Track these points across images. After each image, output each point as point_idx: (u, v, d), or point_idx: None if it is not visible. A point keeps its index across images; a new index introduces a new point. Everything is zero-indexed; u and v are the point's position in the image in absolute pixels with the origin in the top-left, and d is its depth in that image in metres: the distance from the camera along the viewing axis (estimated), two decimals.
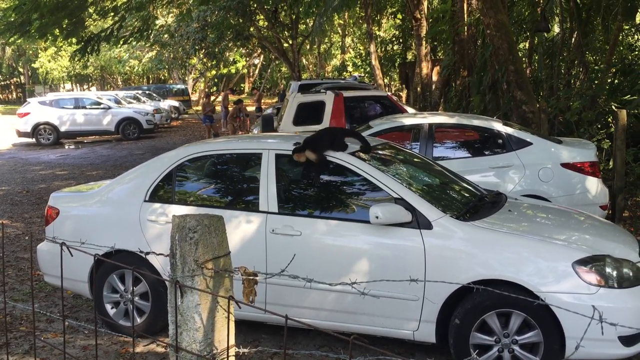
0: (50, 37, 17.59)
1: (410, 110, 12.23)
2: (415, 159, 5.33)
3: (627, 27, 14.12)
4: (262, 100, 28.93)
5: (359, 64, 36.96)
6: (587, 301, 3.53)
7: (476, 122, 7.05)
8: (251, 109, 28.60)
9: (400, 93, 23.37)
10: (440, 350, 4.12)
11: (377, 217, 3.97)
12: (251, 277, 1.76)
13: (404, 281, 2.53)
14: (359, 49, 39.92)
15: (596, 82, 11.93)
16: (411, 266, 3.91)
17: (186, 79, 44.53)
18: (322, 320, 4.20)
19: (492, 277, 3.78)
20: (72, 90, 54.20)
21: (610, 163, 8.57)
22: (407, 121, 7.41)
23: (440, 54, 21.47)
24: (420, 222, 4.02)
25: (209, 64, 36.75)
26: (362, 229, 4.17)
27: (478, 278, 3.76)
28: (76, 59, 18.53)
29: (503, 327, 3.81)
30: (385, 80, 27.84)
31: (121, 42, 18.79)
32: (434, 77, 19.04)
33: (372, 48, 23.94)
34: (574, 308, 3.19)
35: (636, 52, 14.33)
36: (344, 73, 38.78)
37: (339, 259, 4.19)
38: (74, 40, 19.08)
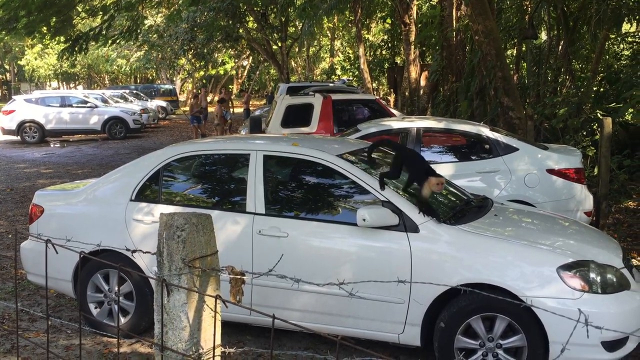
0: (37, 35, 17.43)
1: (398, 114, 12.27)
2: None
3: (614, 36, 14.27)
4: (250, 102, 28.85)
5: (348, 67, 37.03)
6: (571, 306, 3.55)
7: (464, 127, 7.08)
8: (239, 110, 28.53)
9: (389, 97, 23.43)
10: (425, 353, 4.13)
11: (364, 220, 3.98)
12: (239, 277, 1.75)
13: (391, 282, 2.53)
14: (348, 53, 40.00)
15: (582, 89, 12.05)
16: (397, 269, 3.92)
17: (174, 79, 44.32)
18: (307, 322, 4.19)
19: (477, 280, 3.79)
20: (59, 88, 53.75)
21: (595, 170, 8.66)
22: (395, 125, 7.44)
23: (428, 59, 21.58)
24: (407, 225, 4.03)
25: (198, 65, 36.63)
26: (349, 231, 4.17)
27: (464, 282, 3.78)
28: (64, 58, 18.40)
29: (488, 331, 3.83)
30: (374, 84, 27.90)
31: (110, 42, 18.66)
32: (422, 82, 19.13)
33: (361, 52, 24.01)
34: (558, 313, 3.21)
35: (622, 61, 14.49)
36: (333, 76, 38.83)
37: (326, 261, 4.19)
38: (61, 38, 18.93)
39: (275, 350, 4.40)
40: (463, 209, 4.54)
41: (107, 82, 53.87)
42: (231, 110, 22.94)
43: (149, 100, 30.80)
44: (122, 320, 4.73)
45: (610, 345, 3.67)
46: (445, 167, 6.59)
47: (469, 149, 7.03)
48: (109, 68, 47.93)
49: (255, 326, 4.61)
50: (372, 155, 4.76)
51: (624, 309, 3.74)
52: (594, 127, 10.05)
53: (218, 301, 1.70)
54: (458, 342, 3.86)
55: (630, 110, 9.37)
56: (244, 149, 4.75)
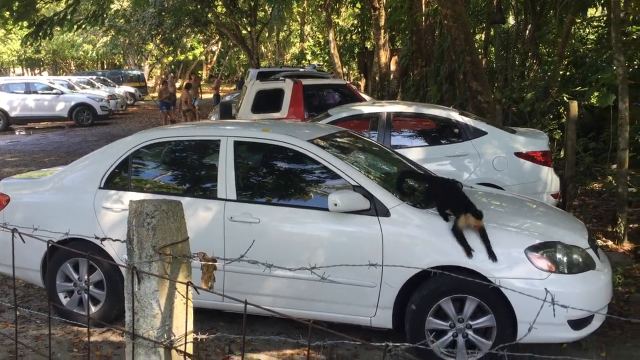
0: (0, 20, 16.92)
1: (368, 99, 12.30)
2: (374, 147, 5.37)
3: (579, 20, 14.48)
4: (220, 88, 28.58)
5: (318, 52, 36.88)
6: (538, 286, 3.63)
7: (433, 112, 7.14)
8: (209, 96, 28.25)
9: (359, 82, 23.47)
10: (396, 336, 4.18)
11: (335, 205, 3.99)
12: (210, 263, 1.74)
13: (362, 266, 2.55)
14: (318, 38, 39.83)
15: (549, 73, 12.23)
16: (369, 253, 3.95)
17: (142, 64, 43.61)
18: (279, 307, 4.21)
19: (447, 263, 3.84)
20: (23, 74, 52.43)
21: (562, 153, 8.82)
22: (366, 109, 7.46)
23: (398, 44, 21.61)
24: (378, 210, 4.05)
25: (166, 50, 36.10)
26: (321, 216, 4.19)
27: (434, 264, 3.82)
28: (28, 43, 17.96)
29: (458, 313, 3.90)
30: (344, 69, 27.87)
31: (75, 27, 18.21)
32: (392, 67, 19.16)
33: (331, 36, 23.94)
34: (525, 293, 3.28)
35: (587, 45, 14.73)
36: (303, 61, 38.66)
37: (298, 246, 4.20)
38: (25, 23, 18.42)
39: (248, 335, 4.41)
40: None
41: (73, 68, 52.72)
42: (200, 96, 22.68)
43: (117, 86, 30.29)
44: (93, 309, 4.68)
45: (576, 324, 3.77)
46: (416, 151, 6.65)
47: (438, 133, 7.09)
48: (75, 54, 46.93)
49: (228, 312, 4.61)
50: (403, 185, 4.47)
51: (589, 288, 3.84)
52: (561, 110, 10.21)
53: (189, 288, 1.69)
54: (429, 323, 3.92)
55: (596, 93, 9.54)
56: (214, 135, 4.71)
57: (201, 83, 27.75)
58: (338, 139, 5.04)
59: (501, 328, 3.79)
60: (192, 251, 1.89)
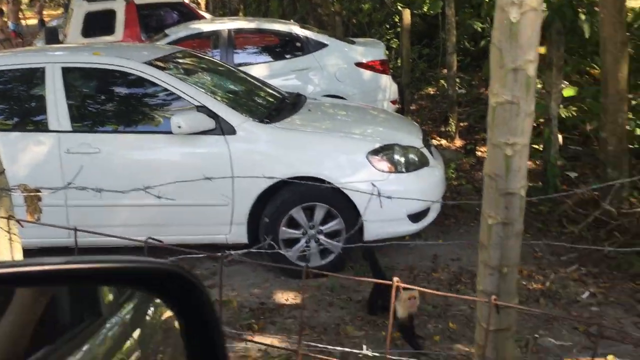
0: None
1: (208, 17, 11.86)
2: (217, 67, 5.25)
3: None
4: (45, 12, 25.95)
5: None
6: (379, 187, 3.87)
7: (275, 27, 7.09)
8: (33, 22, 25.64)
9: (199, 0, 22.44)
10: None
11: (179, 127, 3.90)
12: (33, 194, 1.65)
13: (197, 180, 2.55)
14: None
15: None
16: (218, 172, 3.92)
17: None
18: (132, 236, 4.10)
19: (296, 174, 3.94)
20: None
21: (399, 61, 9.23)
22: (206, 28, 7.22)
23: None
24: (223, 129, 4.03)
25: None
26: (166, 140, 4.09)
27: (283, 177, 3.91)
28: None
29: (309, 220, 4.06)
30: None
31: None
32: None
33: None
34: (366, 192, 3.48)
35: None
36: None
37: (144, 172, 4.05)
38: None
39: None
40: (278, 108, 4.63)
41: None
42: (24, 22, 20.45)
43: None
44: None
45: (415, 217, 4.10)
46: (261, 67, 6.60)
47: (281, 48, 7.07)
48: None
49: (81, 248, 4.41)
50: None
51: (425, 184, 4.17)
52: (396, 19, 10.59)
53: (14, 222, 1.59)
54: (283, 234, 4.06)
55: (427, 0, 9.96)
56: (38, 62, 4.33)
57: (21, 7, 24.97)
58: (178, 60, 4.87)
59: (349, 229, 4.02)
60: (28, 187, 1.77)
